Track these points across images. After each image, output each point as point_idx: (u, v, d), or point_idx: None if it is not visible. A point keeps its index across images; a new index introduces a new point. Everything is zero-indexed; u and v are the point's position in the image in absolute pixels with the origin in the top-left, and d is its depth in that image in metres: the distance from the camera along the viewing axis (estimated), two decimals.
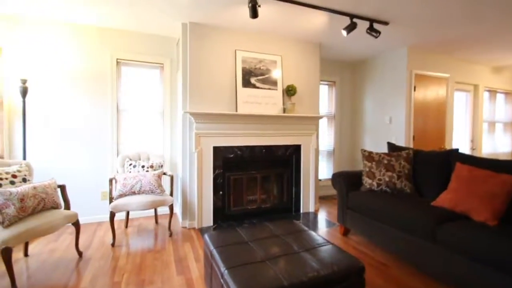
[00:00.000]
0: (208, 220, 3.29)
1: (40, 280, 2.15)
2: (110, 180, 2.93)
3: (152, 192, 2.94)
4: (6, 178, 2.21)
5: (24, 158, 2.92)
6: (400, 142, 4.06)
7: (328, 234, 3.11)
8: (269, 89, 3.56)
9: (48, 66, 3.14)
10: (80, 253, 2.56)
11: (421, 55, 4.15)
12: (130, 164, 3.14)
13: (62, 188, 2.58)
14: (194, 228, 3.25)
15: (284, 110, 3.59)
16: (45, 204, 2.30)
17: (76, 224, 2.51)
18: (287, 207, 3.79)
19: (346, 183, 2.95)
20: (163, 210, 3.68)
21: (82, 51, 3.28)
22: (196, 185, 3.21)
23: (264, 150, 3.57)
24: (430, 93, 4.27)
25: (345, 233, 3.07)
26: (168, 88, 3.70)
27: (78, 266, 2.40)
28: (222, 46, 3.34)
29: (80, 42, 3.27)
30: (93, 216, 3.42)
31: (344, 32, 3.07)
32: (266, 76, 3.55)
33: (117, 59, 3.43)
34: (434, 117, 4.33)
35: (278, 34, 3.57)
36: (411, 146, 4.06)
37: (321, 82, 4.73)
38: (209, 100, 3.27)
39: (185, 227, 3.29)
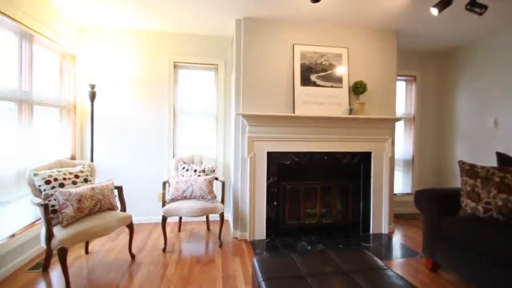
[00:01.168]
0: (260, 232, 2.98)
1: (93, 281, 2.15)
2: (164, 184, 2.89)
3: (202, 198, 2.79)
4: (69, 178, 2.31)
5: (92, 159, 3.11)
6: (510, 151, 3.06)
7: (409, 268, 2.45)
8: (332, 87, 3.08)
9: (112, 72, 3.33)
10: (133, 256, 2.54)
11: None
12: (184, 168, 3.07)
13: (119, 189, 2.61)
14: (245, 240, 2.98)
15: (351, 111, 3.05)
16: (101, 205, 2.33)
17: (130, 227, 2.50)
18: (353, 225, 3.21)
19: (437, 205, 2.26)
20: (215, 216, 3.53)
21: (143, 56, 3.39)
22: (249, 193, 2.94)
23: (325, 158, 3.09)
24: None
25: (434, 268, 2.36)
26: (222, 90, 3.57)
27: (129, 269, 2.36)
28: (278, 41, 3.02)
29: (140, 47, 3.39)
30: (150, 216, 3.48)
31: (434, 11, 2.40)
32: (329, 72, 3.09)
33: (174, 62, 3.45)
34: None
35: (343, 22, 3.07)
36: None
37: (397, 78, 3.98)
38: (263, 101, 2.98)
39: (236, 238, 3.05)
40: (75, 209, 2.12)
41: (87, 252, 2.65)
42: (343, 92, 3.09)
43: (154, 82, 3.42)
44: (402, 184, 4.14)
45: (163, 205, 2.79)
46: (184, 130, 3.56)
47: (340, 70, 3.10)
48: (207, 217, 3.33)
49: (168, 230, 3.23)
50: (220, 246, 2.82)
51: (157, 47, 3.42)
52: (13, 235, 2.30)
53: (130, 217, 2.48)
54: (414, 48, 3.97)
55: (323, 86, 3.06)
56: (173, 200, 2.79)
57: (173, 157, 3.49)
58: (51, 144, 2.84)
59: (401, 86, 4.13)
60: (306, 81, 3.04)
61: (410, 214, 4.04)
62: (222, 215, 2.79)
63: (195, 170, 3.04)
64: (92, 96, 3.02)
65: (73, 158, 3.19)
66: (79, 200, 2.15)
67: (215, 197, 2.93)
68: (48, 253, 2.26)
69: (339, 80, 3.10)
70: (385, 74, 3.25)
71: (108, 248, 2.76)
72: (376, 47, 3.23)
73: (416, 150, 4.11)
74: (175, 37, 3.45)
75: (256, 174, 2.96)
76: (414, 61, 4.10)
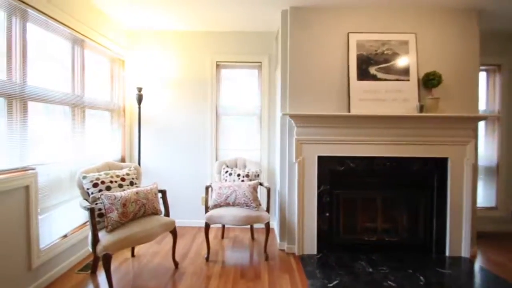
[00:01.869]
0: (311, 246, 2.66)
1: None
2: (207, 188, 2.75)
3: (246, 206, 2.58)
4: (116, 181, 2.29)
5: (139, 161, 3.14)
6: None
7: None
8: (397, 80, 2.62)
9: (157, 74, 3.32)
10: (176, 264, 2.43)
11: None
12: (227, 172, 2.90)
13: (163, 193, 2.54)
14: (293, 254, 2.68)
15: (421, 108, 2.55)
16: (145, 210, 2.26)
17: (174, 233, 2.40)
18: (423, 245, 2.69)
19: None
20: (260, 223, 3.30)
21: (186, 57, 3.34)
22: (297, 202, 2.65)
23: (388, 163, 2.64)
24: None
25: None
26: (266, 89, 3.33)
27: (172, 278, 2.25)
28: (329, 30, 2.67)
29: (183, 49, 3.33)
30: (194, 220, 3.39)
31: None
32: (392, 63, 2.64)
33: (216, 62, 3.33)
34: None
35: (410, 2, 2.59)
36: None
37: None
38: (313, 99, 2.66)
39: (283, 250, 2.77)
40: (119, 213, 2.06)
41: (133, 255, 2.63)
42: (411, 85, 2.61)
43: (197, 83, 3.34)
44: (482, 196, 3.42)
45: (206, 210, 2.65)
46: (226, 132, 3.42)
47: (407, 60, 2.63)
48: (251, 225, 3.11)
49: (211, 236, 3.09)
50: (266, 259, 2.57)
51: (199, 48, 3.34)
52: (65, 236, 2.36)
53: (174, 222, 2.38)
54: (499, 31, 3.25)
55: (385, 79, 2.62)
56: (215, 206, 2.63)
57: (216, 160, 3.36)
58: (102, 146, 2.91)
59: (481, 77, 3.42)
60: (364, 74, 2.63)
61: (493, 233, 3.31)
62: (268, 225, 2.54)
63: (239, 175, 2.84)
64: (139, 99, 3.04)
65: (123, 160, 3.26)
66: (124, 205, 2.10)
67: (260, 205, 2.69)
68: (95, 256, 2.26)
69: (404, 71, 2.63)
70: (464, 63, 2.67)
71: (153, 252, 2.71)
72: (452, 31, 2.68)
73: (502, 155, 3.36)
74: (217, 36, 3.33)
75: (305, 181, 2.65)
76: (499, 47, 3.37)
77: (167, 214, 2.49)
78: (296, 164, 2.64)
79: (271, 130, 3.35)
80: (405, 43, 2.65)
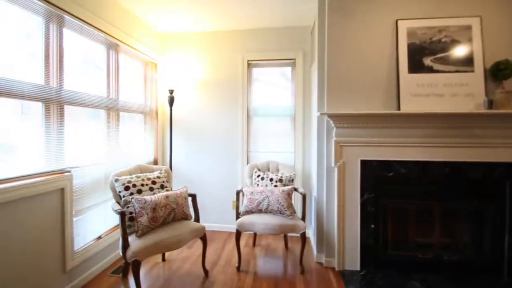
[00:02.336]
0: (353, 261, 2.37)
1: None
2: (237, 193, 2.61)
3: (280, 213, 2.38)
4: (147, 185, 2.24)
5: (170, 163, 3.11)
6: None
7: None
8: (457, 71, 2.24)
9: (188, 76, 3.28)
10: (206, 272, 2.32)
11: None
12: (258, 176, 2.73)
13: (193, 197, 2.45)
14: (332, 269, 2.42)
15: (490, 104, 2.14)
16: (175, 214, 2.18)
17: (204, 239, 2.29)
18: (491, 266, 2.26)
19: None
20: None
21: (216, 57, 3.24)
22: (336, 211, 2.38)
23: (446, 169, 2.26)
24: None
25: None
26: (300, 87, 3.10)
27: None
28: (374, 18, 2.37)
29: (214, 49, 3.25)
30: (225, 224, 3.28)
31: None
32: (451, 52, 2.26)
33: (248, 60, 3.19)
34: None
35: None
36: None
37: None
38: (354, 96, 2.38)
39: (321, 264, 2.52)
40: (149, 218, 2.00)
41: (163, 259, 2.57)
42: (475, 78, 2.21)
43: (228, 84, 3.23)
44: None
45: (237, 217, 2.51)
46: (258, 134, 3.25)
47: (469, 48, 2.23)
48: (285, 234, 2.90)
49: (242, 243, 2.95)
50: (302, 272, 2.35)
51: (230, 47, 3.22)
52: (99, 237, 2.37)
53: (203, 229, 2.27)
54: None
55: (442, 71, 2.25)
56: (247, 212, 2.47)
57: (247, 163, 3.21)
58: (136, 148, 2.92)
59: None
60: (416, 66, 2.29)
61: None
62: (304, 236, 2.32)
63: (271, 179, 2.66)
64: (171, 101, 3.01)
65: (155, 162, 3.27)
66: (154, 209, 2.03)
67: (295, 213, 2.48)
68: (126, 260, 2.23)
69: (467, 61, 2.23)
70: None
71: (184, 257, 2.64)
72: None
73: None
74: (248, 34, 3.19)
75: (346, 187, 2.37)
76: None
77: (197, 219, 2.39)
78: (336, 169, 2.38)
79: (306, 132, 3.12)
80: (467, 28, 2.26)
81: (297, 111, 3.12)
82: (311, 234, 3.03)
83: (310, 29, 3.08)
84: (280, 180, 2.64)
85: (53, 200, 1.86)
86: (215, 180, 3.29)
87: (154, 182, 2.31)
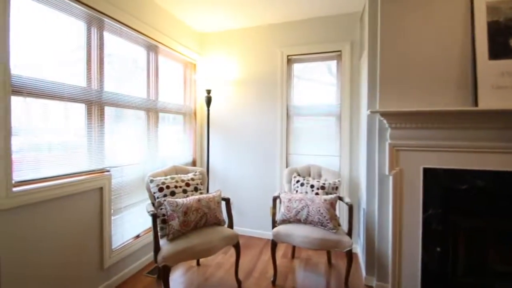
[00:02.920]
0: (411, 287, 1.97)
1: None
2: (274, 199, 2.40)
3: (321, 225, 2.10)
4: (180, 186, 2.19)
5: (207, 164, 3.05)
6: None
7: None
8: None
9: (225, 75, 3.19)
10: (239, 282, 2.17)
11: None
12: (298, 181, 2.48)
13: (227, 202, 2.32)
14: None
15: None
16: (207, 219, 2.07)
17: (237, 247, 2.14)
18: None
19: None
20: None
21: (254, 54, 3.08)
22: (391, 227, 2.01)
23: None
24: None
25: None
26: (347, 82, 2.76)
27: None
28: None
29: (252, 46, 3.09)
30: (263, 231, 3.10)
31: None
32: None
33: (287, 56, 2.96)
34: None
35: None
36: None
37: None
38: (413, 91, 1.98)
39: (371, 287, 2.16)
40: (180, 222, 1.92)
41: (198, 263, 2.51)
42: None
43: (266, 82, 3.05)
44: None
45: (273, 225, 2.30)
46: (298, 135, 3.00)
47: None
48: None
49: (279, 253, 2.73)
50: None
51: (268, 43, 3.04)
52: (138, 236, 2.40)
53: (237, 236, 2.12)
54: None
55: None
56: (283, 221, 2.25)
57: (286, 166, 2.98)
58: (175, 149, 2.94)
59: None
60: (500, 51, 1.80)
61: None
62: (350, 254, 2.00)
63: (312, 186, 2.39)
64: (208, 101, 2.96)
65: (194, 163, 3.26)
66: (185, 213, 1.95)
67: (339, 225, 2.17)
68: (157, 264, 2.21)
69: None
70: None
71: (218, 262, 2.53)
72: None
73: None
74: (288, 27, 2.96)
75: (404, 200, 1.98)
76: None
77: (230, 225, 2.26)
78: (390, 178, 2.00)
79: (354, 133, 2.77)
80: None
81: (343, 109, 2.78)
82: (359, 250, 2.66)
83: (359, 15, 2.72)
84: (322, 187, 2.36)
85: (92, 198, 1.91)
86: (253, 183, 3.13)
87: (188, 184, 2.25)
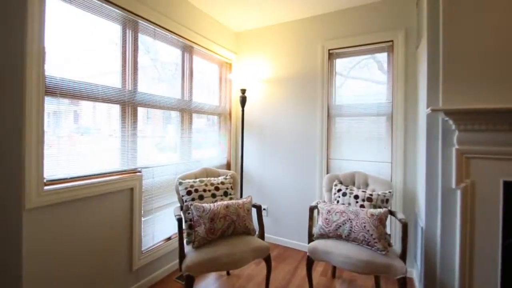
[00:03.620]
0: None
1: None
2: (311, 210, 2.14)
3: (367, 245, 1.78)
4: (209, 190, 2.08)
5: (241, 167, 2.92)
6: None
7: None
8: None
9: (261, 74, 3.02)
10: None
11: None
12: (339, 190, 2.18)
13: (258, 209, 2.14)
14: None
15: None
16: (235, 228, 1.92)
17: (268, 261, 1.95)
18: None
19: None
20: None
21: (292, 51, 2.86)
22: (459, 253, 1.60)
23: None
24: None
25: None
26: (400, 76, 2.36)
27: None
28: None
29: (290, 41, 2.87)
30: (300, 242, 2.84)
31: None
32: None
33: (329, 50, 2.67)
34: None
35: None
36: None
37: None
38: (487, 84, 1.56)
39: None
40: (207, 229, 1.80)
41: (228, 273, 2.37)
42: None
43: (305, 79, 2.80)
44: None
45: (310, 239, 2.05)
46: (341, 137, 2.67)
47: None
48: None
49: (318, 270, 2.45)
50: None
51: (308, 37, 2.78)
52: (169, 238, 2.36)
53: (268, 249, 1.93)
54: None
55: None
56: (322, 235, 1.98)
57: (327, 172, 2.69)
58: (209, 150, 2.88)
59: None
60: None
61: None
62: (404, 281, 1.64)
63: (357, 197, 2.07)
64: (243, 102, 2.83)
65: (228, 165, 3.16)
66: (212, 219, 1.83)
67: (390, 246, 1.83)
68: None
69: None
70: None
71: (249, 274, 2.36)
72: None
73: None
74: (329, 18, 2.67)
75: (477, 221, 1.56)
76: None
77: (261, 235, 2.07)
78: (459, 192, 1.60)
79: (409, 135, 2.36)
80: None
81: (396, 107, 2.39)
82: (415, 275, 2.24)
83: None
84: (369, 199, 2.02)
85: (123, 199, 1.91)
86: (289, 189, 2.90)
87: (217, 188, 2.13)
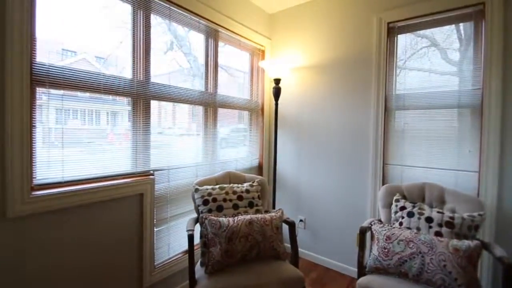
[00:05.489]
0: None
1: None
2: (362, 232, 1.62)
3: None
4: (230, 200, 1.71)
5: (274, 169, 2.49)
6: None
7: None
8: None
9: (298, 60, 2.52)
10: None
11: None
12: (403, 208, 1.62)
13: (291, 226, 1.70)
14: None
15: None
16: (259, 250, 1.52)
17: None
18: None
19: None
20: None
21: (337, 28, 2.29)
22: None
23: None
24: None
25: None
26: (495, 52, 1.67)
27: None
28: None
29: (334, 17, 2.31)
30: (345, 265, 2.32)
31: None
32: None
33: (388, 23, 2.06)
34: None
35: None
36: None
37: None
38: None
39: None
40: (223, 250, 1.43)
41: None
42: None
43: (354, 64, 2.23)
44: None
45: (359, 271, 1.54)
46: (402, 136, 2.05)
47: None
48: None
49: None
50: None
51: (358, 8, 2.20)
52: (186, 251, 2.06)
53: (302, 280, 1.49)
54: None
55: None
56: (378, 270, 1.45)
57: (383, 182, 2.10)
58: (237, 150, 2.52)
59: None
60: None
61: None
62: None
63: (429, 219, 1.49)
64: (277, 93, 2.40)
65: (260, 166, 2.76)
66: (230, 239, 1.45)
67: None
68: None
69: None
70: None
71: None
72: None
73: None
74: None
75: None
76: None
77: (294, 261, 1.63)
78: None
79: (508, 134, 1.66)
80: None
81: (488, 97, 1.71)
82: None
83: None
84: (450, 224, 1.43)
85: (130, 206, 1.64)
86: (333, 200, 2.38)
87: (240, 198, 1.74)
